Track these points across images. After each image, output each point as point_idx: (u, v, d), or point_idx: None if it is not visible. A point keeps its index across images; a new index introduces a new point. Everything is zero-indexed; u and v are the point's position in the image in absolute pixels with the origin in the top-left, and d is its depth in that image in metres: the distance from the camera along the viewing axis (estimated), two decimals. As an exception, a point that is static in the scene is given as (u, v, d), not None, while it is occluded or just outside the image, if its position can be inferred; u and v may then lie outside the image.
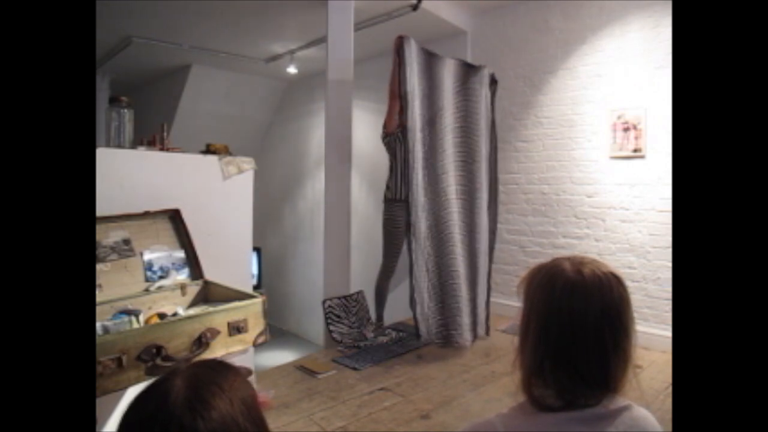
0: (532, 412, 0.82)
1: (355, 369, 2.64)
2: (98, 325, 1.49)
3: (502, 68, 3.82)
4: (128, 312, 1.65)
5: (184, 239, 1.98)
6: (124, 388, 1.35)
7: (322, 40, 4.01)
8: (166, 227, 1.98)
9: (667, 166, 3.08)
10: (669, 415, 1.63)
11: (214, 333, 1.54)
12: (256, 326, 1.66)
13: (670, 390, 2.38)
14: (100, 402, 1.26)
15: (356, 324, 3.24)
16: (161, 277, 1.89)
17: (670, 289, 3.06)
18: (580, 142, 3.54)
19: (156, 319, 1.65)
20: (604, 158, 3.40)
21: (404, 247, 3.01)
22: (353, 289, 3.40)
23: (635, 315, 0.85)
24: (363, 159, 4.83)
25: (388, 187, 3.15)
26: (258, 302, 1.69)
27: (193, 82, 5.54)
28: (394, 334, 3.17)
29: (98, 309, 1.61)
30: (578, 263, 0.85)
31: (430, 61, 3.01)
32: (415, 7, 3.67)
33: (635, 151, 3.23)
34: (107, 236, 1.80)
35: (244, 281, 2.28)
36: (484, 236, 3.25)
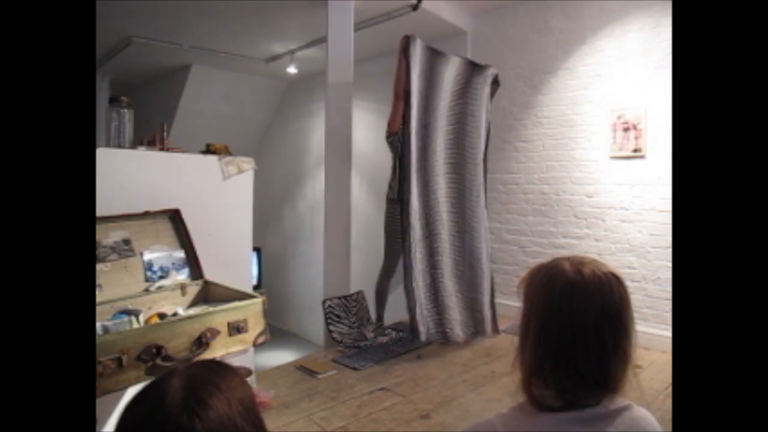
0: (532, 412, 0.82)
1: (355, 369, 2.64)
2: (98, 325, 1.49)
3: (502, 68, 3.80)
4: (128, 312, 1.65)
5: (184, 239, 1.98)
6: (124, 388, 1.35)
7: (322, 40, 4.00)
8: (166, 227, 1.98)
9: (667, 166, 3.08)
10: (669, 415, 1.63)
11: (214, 333, 1.54)
12: (256, 326, 1.66)
13: (670, 390, 2.38)
14: (100, 402, 1.26)
15: (356, 324, 3.24)
16: (161, 277, 1.89)
17: (670, 289, 3.06)
18: (580, 142, 3.54)
19: (156, 319, 1.65)
20: (604, 158, 3.40)
21: None
22: (353, 289, 3.40)
23: (635, 315, 0.85)
24: (363, 159, 4.83)
25: (390, 187, 3.15)
26: (258, 302, 1.69)
27: (193, 82, 5.54)
28: (394, 334, 3.17)
29: (98, 309, 1.61)
30: (578, 263, 0.85)
31: (434, 60, 3.01)
32: (415, 7, 3.67)
33: (635, 151, 3.23)
34: (107, 236, 1.80)
35: (244, 281, 2.28)
36: (483, 236, 3.25)
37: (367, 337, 3.11)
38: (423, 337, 2.89)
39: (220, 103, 5.92)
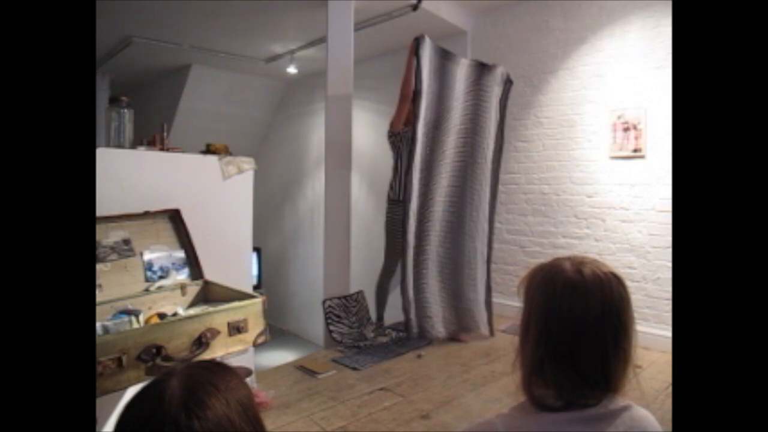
0: (532, 412, 0.82)
1: (355, 369, 2.64)
2: (98, 325, 1.49)
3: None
4: (128, 312, 1.65)
5: (184, 239, 1.98)
6: (124, 388, 1.35)
7: (322, 40, 4.00)
8: (166, 227, 1.98)
9: (667, 166, 3.08)
10: (669, 415, 1.63)
11: (214, 333, 1.54)
12: (256, 326, 1.66)
13: (670, 390, 2.38)
14: (100, 402, 1.26)
15: (356, 324, 3.24)
16: (161, 277, 1.89)
17: (670, 289, 3.06)
18: (580, 142, 3.54)
19: (156, 319, 1.65)
20: (604, 158, 3.40)
21: None
22: (353, 289, 3.40)
23: (635, 315, 0.85)
24: (363, 158, 4.83)
25: (391, 187, 3.16)
26: (258, 302, 1.68)
27: (193, 82, 5.54)
28: (394, 334, 3.17)
29: (98, 309, 1.61)
30: (578, 263, 0.85)
31: (444, 60, 3.02)
32: (415, 7, 3.67)
33: (635, 151, 3.23)
34: (107, 236, 1.80)
35: (244, 281, 2.27)
36: (481, 235, 3.25)
37: (367, 337, 3.11)
38: (414, 333, 3.00)
39: (220, 103, 5.92)
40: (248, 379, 2.17)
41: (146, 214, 1.91)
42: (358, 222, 4.33)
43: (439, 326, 3.11)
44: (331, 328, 3.12)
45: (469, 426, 0.86)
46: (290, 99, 6.44)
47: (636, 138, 3.22)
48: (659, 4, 3.11)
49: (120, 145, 2.00)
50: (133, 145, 2.07)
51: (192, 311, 1.75)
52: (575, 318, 0.80)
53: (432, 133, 2.98)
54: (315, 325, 5.09)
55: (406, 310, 2.99)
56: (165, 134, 2.22)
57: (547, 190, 3.74)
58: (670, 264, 3.07)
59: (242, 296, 1.76)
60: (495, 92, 3.29)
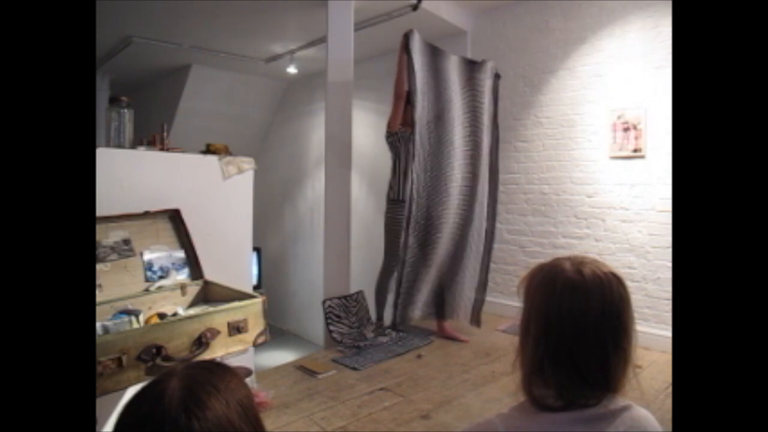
0: (532, 412, 0.82)
1: (355, 369, 2.64)
2: (98, 325, 1.49)
3: (502, 68, 3.80)
4: (128, 312, 1.65)
5: (184, 239, 1.98)
6: (124, 388, 1.35)
7: (322, 40, 4.00)
8: (166, 227, 1.98)
9: (667, 166, 3.08)
10: (669, 415, 1.63)
11: (214, 333, 1.54)
12: (256, 326, 1.66)
13: (670, 390, 2.38)
14: (100, 402, 1.25)
15: (356, 324, 3.24)
16: (161, 277, 1.89)
17: (670, 289, 3.06)
18: (580, 142, 3.54)
19: (156, 319, 1.65)
20: (604, 158, 3.40)
21: None
22: (353, 289, 3.40)
23: (635, 315, 0.85)
24: (363, 158, 4.84)
25: (390, 187, 3.15)
26: (258, 302, 1.68)
27: (193, 82, 5.54)
28: (394, 334, 3.17)
29: (98, 309, 1.61)
30: (578, 263, 0.85)
31: (435, 56, 3.02)
32: (415, 7, 3.67)
33: (635, 151, 3.23)
34: (107, 236, 1.80)
35: (244, 281, 2.27)
36: (477, 224, 3.26)
37: (367, 337, 3.11)
38: (397, 321, 3.00)
39: (220, 103, 5.92)
40: (248, 379, 2.17)
41: (146, 214, 1.91)
42: (358, 222, 4.33)
43: (416, 311, 3.12)
44: (331, 328, 3.12)
45: (469, 426, 0.86)
46: (290, 99, 6.44)
47: (636, 138, 3.22)
48: (659, 4, 3.11)
49: (120, 145, 2.00)
50: (133, 145, 2.07)
51: (192, 311, 1.75)
52: (575, 318, 0.80)
53: (435, 127, 2.96)
54: (315, 325, 5.09)
55: (396, 304, 2.98)
56: (165, 134, 2.21)
57: (547, 190, 3.74)
58: (670, 264, 3.07)
59: (242, 296, 1.76)
60: (488, 85, 3.30)
